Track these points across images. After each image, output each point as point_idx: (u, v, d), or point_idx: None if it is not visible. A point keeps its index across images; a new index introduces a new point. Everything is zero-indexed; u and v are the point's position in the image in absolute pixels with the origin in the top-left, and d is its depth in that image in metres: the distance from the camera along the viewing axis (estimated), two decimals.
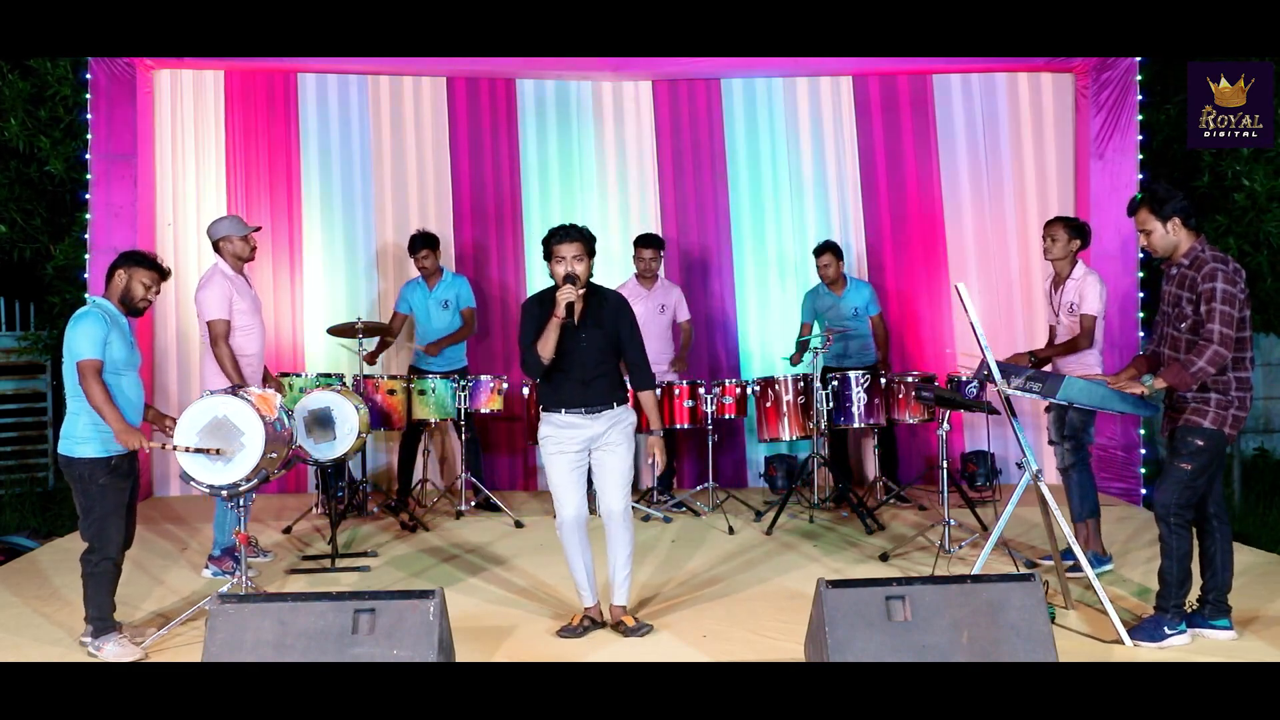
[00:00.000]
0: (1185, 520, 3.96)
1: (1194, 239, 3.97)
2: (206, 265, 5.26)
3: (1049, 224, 5.17)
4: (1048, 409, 5.14)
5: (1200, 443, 3.92)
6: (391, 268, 7.32)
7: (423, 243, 6.58)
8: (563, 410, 4.17)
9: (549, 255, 4.19)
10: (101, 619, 4.04)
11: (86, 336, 3.96)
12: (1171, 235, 3.97)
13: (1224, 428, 3.91)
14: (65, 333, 4.04)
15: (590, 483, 4.30)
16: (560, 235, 4.15)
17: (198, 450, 3.98)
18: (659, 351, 6.72)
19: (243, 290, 5.18)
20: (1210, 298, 3.83)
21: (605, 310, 4.23)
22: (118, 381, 4.04)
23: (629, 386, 4.37)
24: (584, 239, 4.15)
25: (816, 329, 6.65)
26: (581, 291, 4.14)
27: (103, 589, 4.04)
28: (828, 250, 6.67)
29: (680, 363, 6.78)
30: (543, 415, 4.24)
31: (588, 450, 4.22)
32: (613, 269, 7.30)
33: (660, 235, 6.95)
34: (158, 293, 4.25)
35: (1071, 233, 5.07)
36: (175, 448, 3.99)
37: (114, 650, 3.99)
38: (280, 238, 7.20)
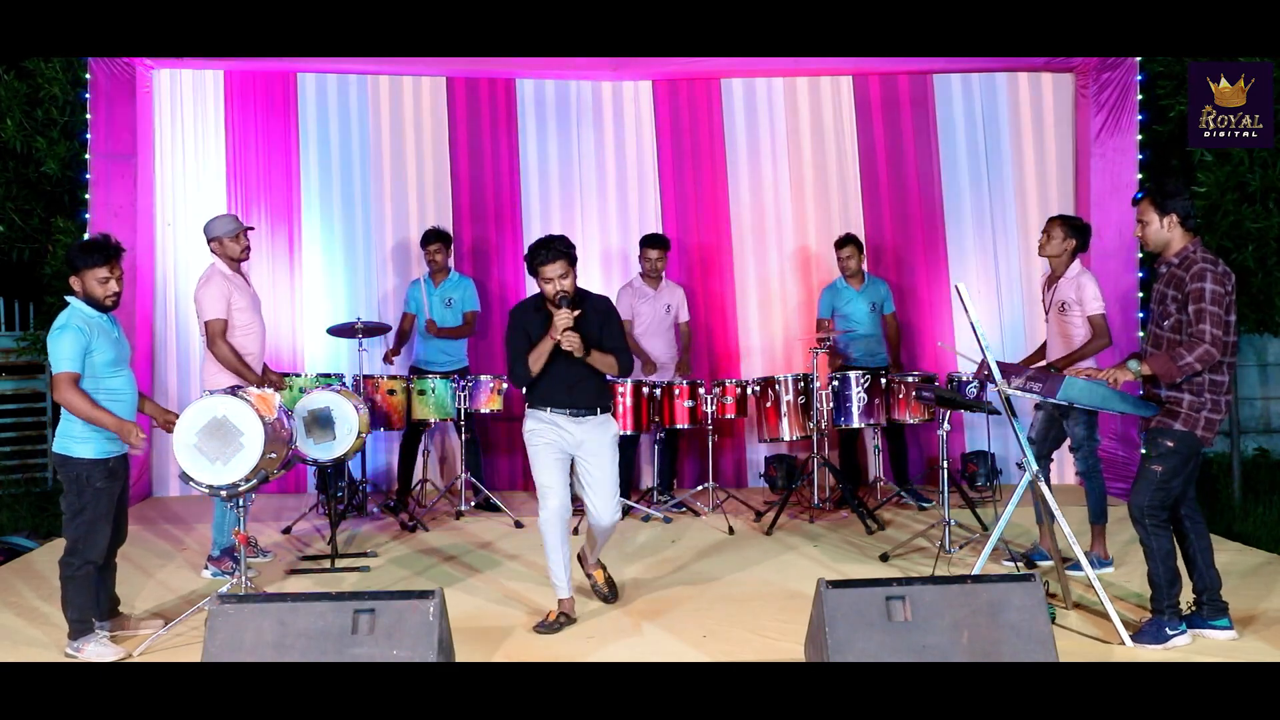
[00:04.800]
0: (1160, 520, 3.95)
1: (1188, 239, 3.96)
2: (206, 265, 5.25)
3: (1049, 221, 5.17)
4: (1037, 407, 5.11)
5: (1170, 444, 3.91)
6: (391, 268, 7.32)
7: (435, 236, 6.65)
8: (548, 409, 4.25)
9: (534, 272, 4.16)
10: (81, 620, 4.01)
11: (62, 350, 3.89)
12: (1165, 231, 3.96)
13: (1196, 430, 3.89)
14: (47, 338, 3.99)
15: (572, 486, 4.39)
16: (543, 256, 4.09)
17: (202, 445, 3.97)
18: (664, 352, 6.73)
19: (241, 289, 5.17)
20: (1199, 298, 3.81)
21: (591, 315, 4.25)
22: (110, 382, 4.01)
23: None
24: (565, 255, 4.11)
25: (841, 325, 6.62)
26: (576, 314, 4.12)
27: (83, 592, 4.00)
28: (850, 242, 6.63)
29: (684, 367, 6.79)
30: (528, 410, 4.32)
31: (570, 453, 4.30)
32: (612, 269, 7.31)
33: (666, 236, 6.94)
34: (121, 275, 4.06)
35: (1069, 232, 5.07)
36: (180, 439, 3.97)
37: (95, 650, 3.98)
38: (280, 238, 7.19)
